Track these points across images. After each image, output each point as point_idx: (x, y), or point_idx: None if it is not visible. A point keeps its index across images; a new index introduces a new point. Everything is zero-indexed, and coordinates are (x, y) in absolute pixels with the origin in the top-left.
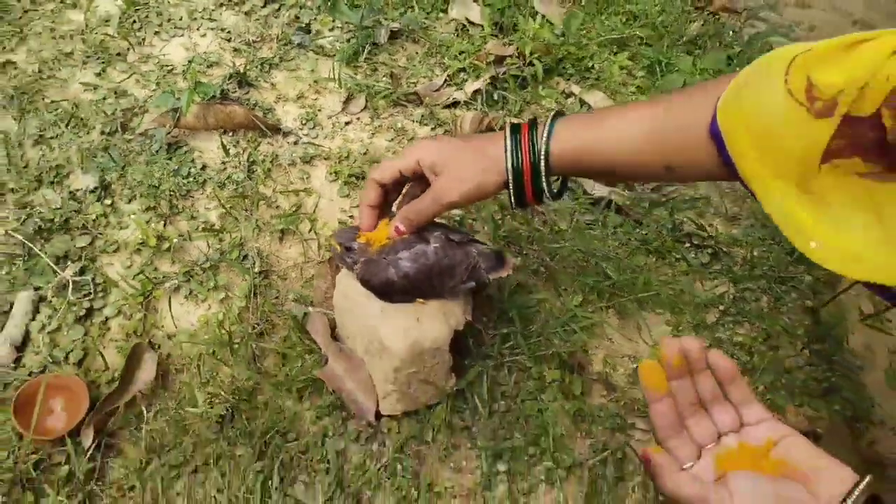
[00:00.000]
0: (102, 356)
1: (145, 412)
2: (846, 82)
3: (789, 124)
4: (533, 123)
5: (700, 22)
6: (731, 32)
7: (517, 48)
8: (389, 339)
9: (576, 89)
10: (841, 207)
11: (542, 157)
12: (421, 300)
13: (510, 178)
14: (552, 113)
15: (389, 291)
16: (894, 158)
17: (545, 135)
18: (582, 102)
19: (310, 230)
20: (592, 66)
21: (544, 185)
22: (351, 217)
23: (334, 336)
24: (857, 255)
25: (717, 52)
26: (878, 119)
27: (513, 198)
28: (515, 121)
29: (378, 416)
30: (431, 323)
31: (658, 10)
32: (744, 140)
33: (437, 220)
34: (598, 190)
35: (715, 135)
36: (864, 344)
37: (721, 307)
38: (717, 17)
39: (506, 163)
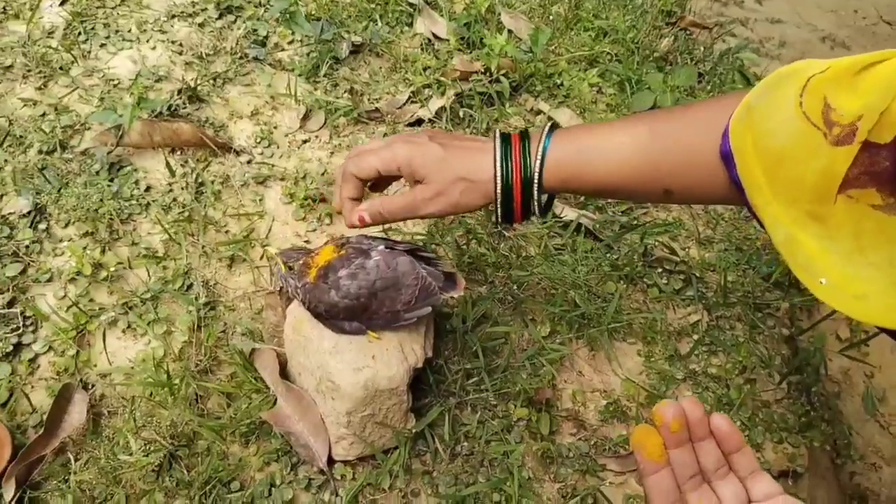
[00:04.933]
0: (28, 398)
1: (73, 461)
2: (865, 107)
3: (804, 149)
4: (524, 135)
5: (670, 38)
6: (701, 48)
7: (483, 64)
8: (341, 379)
9: (544, 107)
10: (853, 242)
11: (537, 174)
12: (374, 334)
13: (499, 195)
14: (547, 125)
15: (337, 315)
16: None
17: (540, 151)
18: (550, 120)
19: (261, 257)
20: (561, 83)
21: (535, 204)
22: (307, 241)
23: (285, 373)
24: (865, 294)
25: (688, 68)
26: (894, 148)
27: (499, 215)
28: (503, 128)
29: (331, 461)
30: (388, 360)
31: (628, 26)
32: (753, 164)
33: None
34: (568, 213)
35: (726, 156)
36: (842, 369)
37: (695, 336)
38: (687, 32)
39: (495, 179)
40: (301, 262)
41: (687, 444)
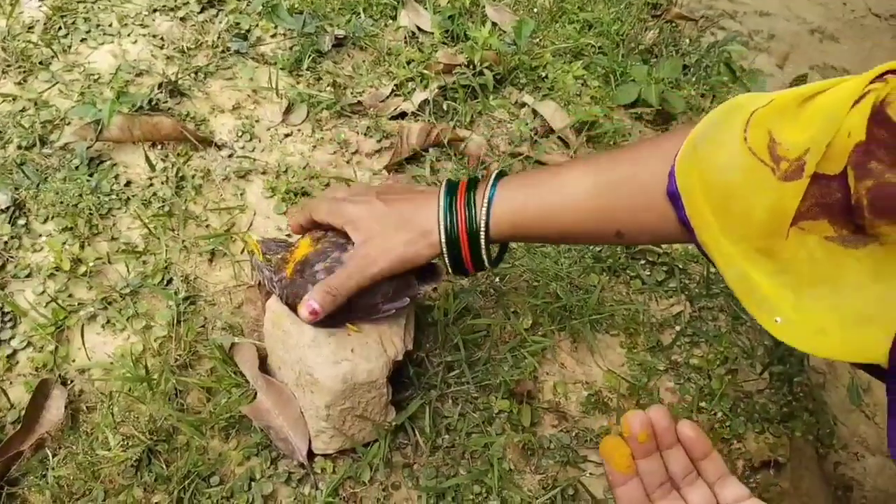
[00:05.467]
0: (5, 393)
1: (51, 456)
2: (811, 140)
3: (752, 185)
4: (472, 184)
5: (656, 30)
6: (687, 41)
7: (467, 57)
8: (320, 372)
9: (528, 99)
10: (807, 275)
11: (483, 227)
12: (352, 325)
13: (444, 250)
14: (494, 173)
15: None
16: (860, 221)
17: (485, 201)
18: (535, 113)
19: (242, 251)
20: (546, 75)
21: (484, 256)
22: (289, 235)
23: (265, 368)
24: (823, 329)
25: (673, 60)
26: (844, 178)
27: (449, 268)
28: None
29: (311, 455)
30: (367, 353)
31: (613, 18)
32: (701, 202)
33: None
34: None
35: (672, 195)
36: (827, 360)
37: (677, 327)
38: (673, 25)
39: (439, 233)
40: (280, 256)
41: (655, 452)
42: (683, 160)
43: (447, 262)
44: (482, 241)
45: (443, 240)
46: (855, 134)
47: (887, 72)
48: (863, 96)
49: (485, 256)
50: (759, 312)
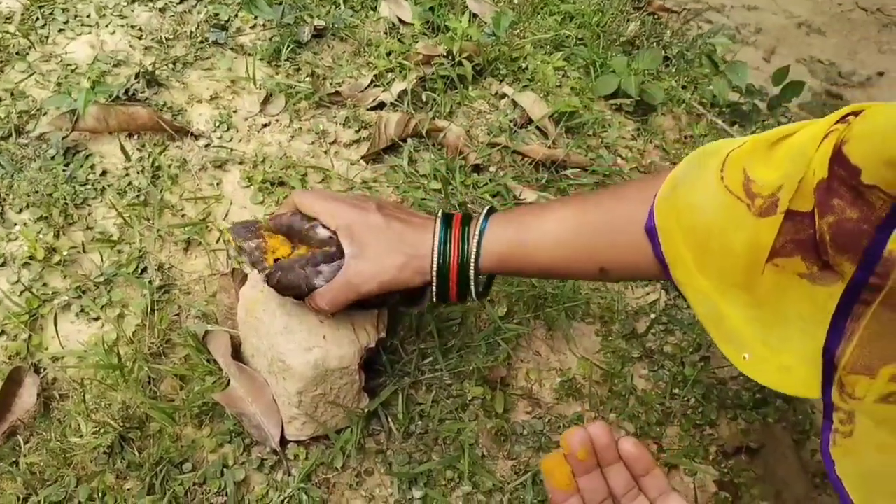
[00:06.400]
0: None
1: (23, 443)
2: (784, 177)
3: (730, 221)
4: (466, 219)
5: (638, 22)
6: (669, 33)
7: (446, 48)
8: (292, 359)
9: (508, 90)
10: (778, 311)
11: (473, 257)
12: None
13: (435, 277)
14: (484, 210)
15: (300, 297)
16: (825, 257)
17: (476, 233)
18: (515, 104)
19: (218, 240)
20: (526, 66)
21: (472, 287)
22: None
23: (239, 356)
24: (788, 366)
25: (653, 51)
26: (814, 215)
27: (434, 295)
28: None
29: (283, 441)
30: (339, 340)
31: (594, 9)
32: (678, 240)
33: None
34: (527, 195)
35: (650, 231)
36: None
37: (652, 315)
38: (656, 17)
39: (432, 262)
40: (254, 244)
41: (596, 469)
42: (663, 199)
43: (434, 289)
44: (471, 273)
45: (434, 268)
46: (819, 172)
47: (849, 114)
48: (826, 136)
49: (472, 287)
50: (728, 347)
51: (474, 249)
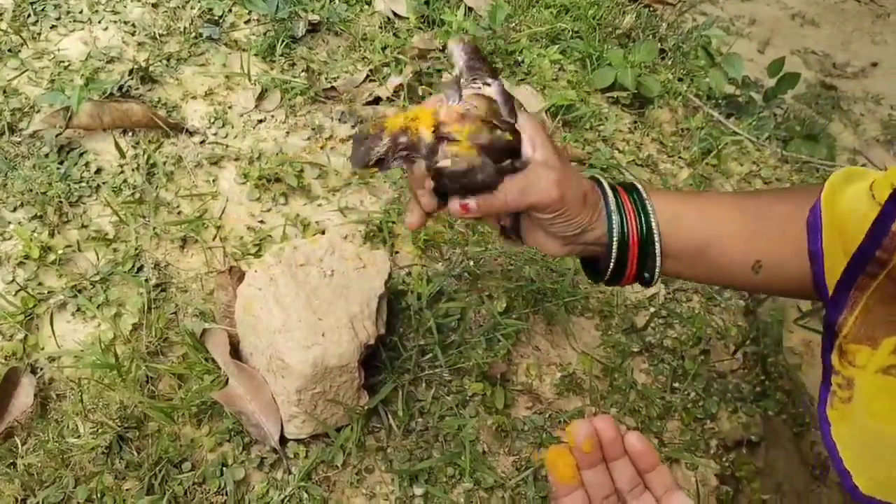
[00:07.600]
0: None
1: (20, 444)
2: None
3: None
4: (632, 187)
5: (633, 15)
6: (665, 25)
7: (442, 42)
8: (291, 357)
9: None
10: None
11: (657, 230)
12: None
13: (614, 252)
14: (630, 182)
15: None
16: None
17: (650, 206)
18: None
19: (214, 237)
20: (522, 60)
21: (656, 265)
22: (261, 222)
23: (237, 354)
24: None
25: (649, 43)
26: None
27: (610, 273)
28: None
29: (283, 440)
30: (338, 337)
31: (589, 2)
32: (837, 242)
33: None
34: None
35: (812, 225)
36: (803, 341)
37: (651, 309)
38: (651, 9)
39: (609, 235)
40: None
41: (601, 464)
42: (828, 197)
43: (611, 267)
44: (658, 249)
45: (614, 239)
46: None
47: None
48: None
49: (656, 266)
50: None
51: (654, 219)
